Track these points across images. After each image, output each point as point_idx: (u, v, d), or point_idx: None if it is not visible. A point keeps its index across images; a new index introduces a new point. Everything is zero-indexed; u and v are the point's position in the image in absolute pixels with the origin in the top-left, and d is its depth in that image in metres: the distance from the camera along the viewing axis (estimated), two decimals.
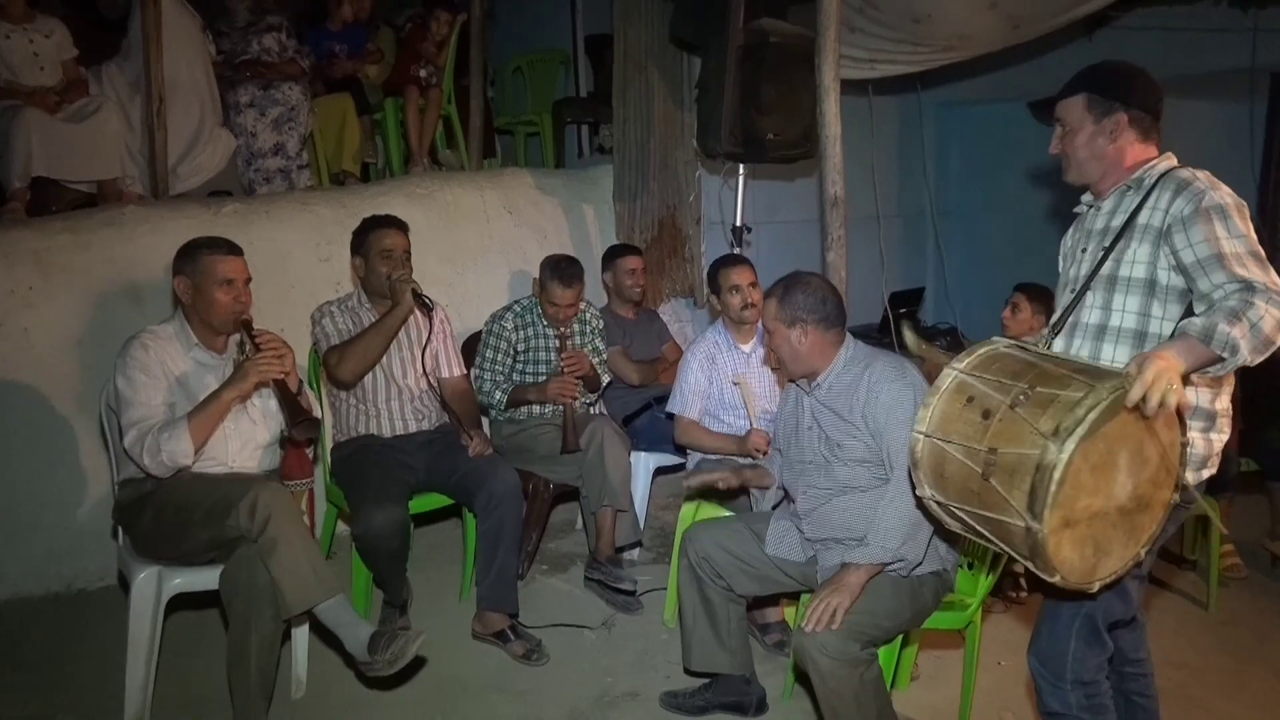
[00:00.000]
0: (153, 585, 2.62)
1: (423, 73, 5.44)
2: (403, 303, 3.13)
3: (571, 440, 3.43)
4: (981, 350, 1.88)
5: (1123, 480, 1.72)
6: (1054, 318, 2.17)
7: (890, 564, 2.30)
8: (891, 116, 5.65)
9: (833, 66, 3.44)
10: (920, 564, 2.33)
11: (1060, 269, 2.31)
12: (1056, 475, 1.61)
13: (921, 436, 1.84)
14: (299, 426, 2.67)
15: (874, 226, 5.14)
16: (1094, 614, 1.99)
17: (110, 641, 2.88)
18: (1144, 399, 1.62)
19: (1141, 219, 2.00)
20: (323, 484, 3.50)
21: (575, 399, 3.52)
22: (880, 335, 4.80)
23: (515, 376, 3.66)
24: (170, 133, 4.25)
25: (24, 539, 3.44)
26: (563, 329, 3.60)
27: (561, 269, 3.57)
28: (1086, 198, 2.21)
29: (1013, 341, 1.94)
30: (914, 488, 1.92)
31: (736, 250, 4.13)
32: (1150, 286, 1.98)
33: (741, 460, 3.14)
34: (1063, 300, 2.19)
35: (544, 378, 3.61)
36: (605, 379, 3.80)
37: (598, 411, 3.80)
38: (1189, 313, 1.93)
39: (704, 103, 3.94)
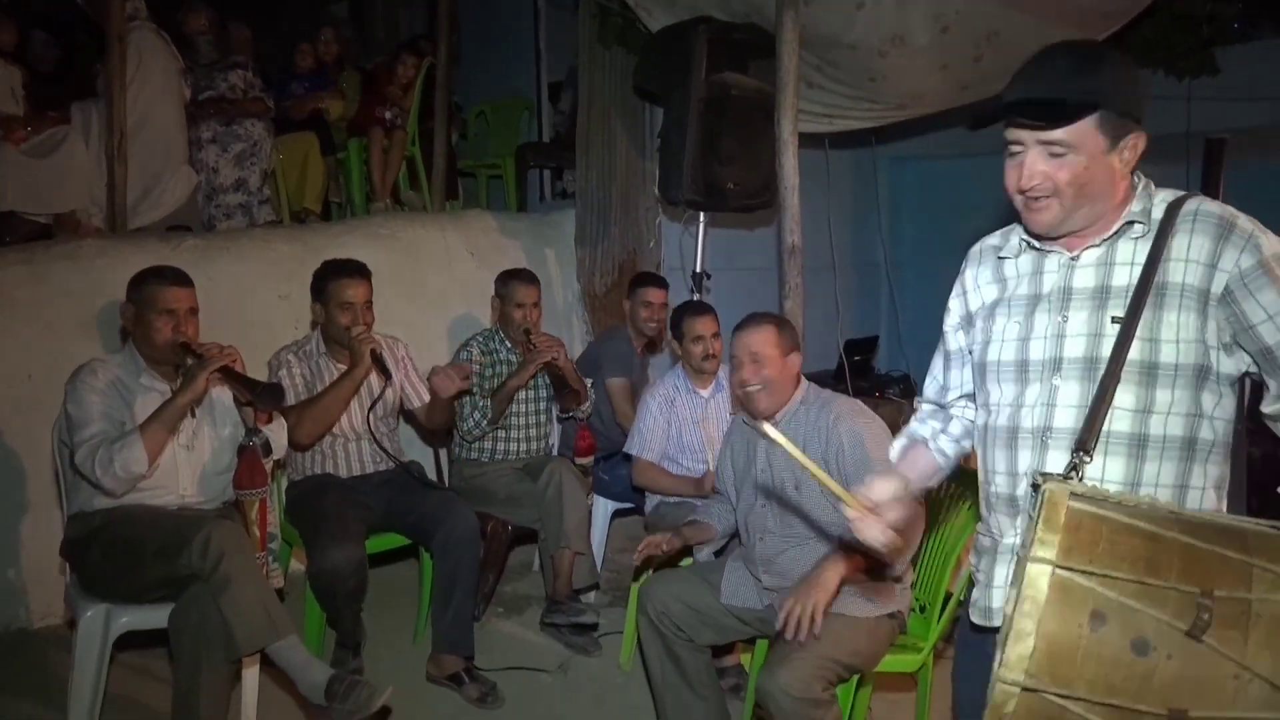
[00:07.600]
0: (100, 623, 2.56)
1: (388, 114, 5.48)
2: (361, 364, 3.13)
3: (576, 387, 3.47)
4: (1061, 518, 1.15)
5: None
6: (1053, 429, 1.50)
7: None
8: (847, 169, 5.81)
9: (791, 120, 3.55)
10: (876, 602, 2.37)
11: (962, 337, 1.73)
12: None
13: (1015, 690, 1.10)
14: (261, 395, 2.62)
15: (829, 276, 5.26)
16: None
17: (51, 683, 2.80)
18: None
19: (1171, 276, 1.41)
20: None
21: (557, 358, 3.48)
22: (836, 382, 4.88)
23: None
24: (136, 168, 4.23)
25: None
26: (527, 329, 3.56)
27: (520, 271, 3.72)
28: (1023, 237, 1.58)
29: (1069, 488, 1.21)
30: None
31: (696, 297, 4.20)
32: (1201, 374, 1.42)
33: (698, 503, 3.17)
34: (1010, 392, 1.55)
35: (517, 405, 3.60)
36: (589, 399, 3.69)
37: (558, 453, 3.81)
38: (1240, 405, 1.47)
39: (666, 151, 4.03)
